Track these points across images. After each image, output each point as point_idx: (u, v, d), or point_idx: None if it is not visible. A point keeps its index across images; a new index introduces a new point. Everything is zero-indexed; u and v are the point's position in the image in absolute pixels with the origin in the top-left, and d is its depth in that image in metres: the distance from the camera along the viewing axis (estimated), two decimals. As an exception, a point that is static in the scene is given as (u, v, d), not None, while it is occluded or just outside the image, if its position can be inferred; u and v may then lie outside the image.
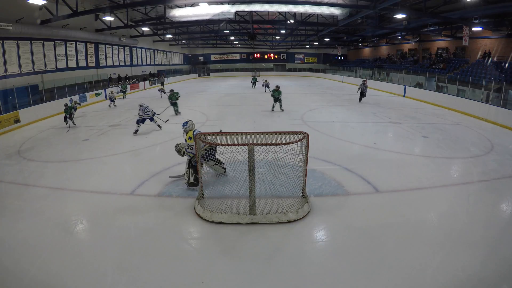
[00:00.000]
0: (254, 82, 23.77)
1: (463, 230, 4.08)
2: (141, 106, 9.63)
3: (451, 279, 3.16)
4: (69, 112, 10.50)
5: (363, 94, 15.36)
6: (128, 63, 25.29)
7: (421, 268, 3.34)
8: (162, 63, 32.79)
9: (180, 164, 6.35)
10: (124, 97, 18.78)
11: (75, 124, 10.85)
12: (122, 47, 24.18)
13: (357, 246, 3.74)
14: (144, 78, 26.36)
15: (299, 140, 4.37)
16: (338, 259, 3.54)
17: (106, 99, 18.08)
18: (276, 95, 12.23)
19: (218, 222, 4.21)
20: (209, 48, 39.78)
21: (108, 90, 19.33)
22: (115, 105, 15.77)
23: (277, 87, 12.47)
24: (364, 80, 15.99)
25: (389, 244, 3.78)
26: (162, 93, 17.78)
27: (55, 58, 16.62)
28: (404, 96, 18.18)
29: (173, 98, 12.36)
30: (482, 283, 3.14)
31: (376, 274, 3.27)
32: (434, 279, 3.18)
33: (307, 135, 4.46)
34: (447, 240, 3.84)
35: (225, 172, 5.58)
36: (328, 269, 3.37)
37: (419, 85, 17.69)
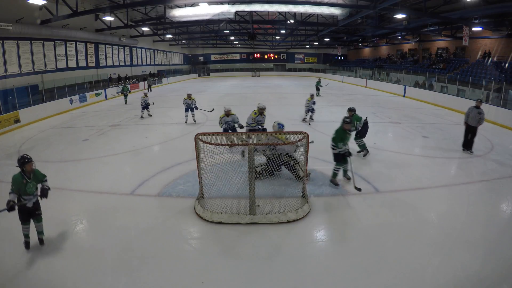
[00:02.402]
0: (318, 87, 18.59)
1: (463, 230, 4.08)
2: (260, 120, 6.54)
3: (451, 279, 3.16)
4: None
5: (471, 132, 7.24)
6: (128, 63, 25.28)
7: (421, 268, 3.34)
8: (162, 63, 32.78)
9: (180, 164, 6.36)
10: (126, 102, 16.11)
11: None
12: (122, 47, 24.16)
13: (357, 246, 3.74)
14: (144, 78, 26.35)
15: (299, 140, 4.38)
16: (338, 259, 3.54)
17: (126, 102, 15.79)
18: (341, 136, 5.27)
19: (218, 222, 4.21)
20: (209, 48, 39.78)
21: (121, 90, 17.33)
22: (150, 115, 12.09)
23: (352, 112, 6.53)
24: (478, 102, 7.23)
25: (389, 244, 3.78)
26: (189, 103, 10.62)
27: (55, 58, 16.60)
28: (404, 96, 18.19)
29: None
30: (482, 283, 3.15)
31: (376, 274, 3.27)
32: (434, 279, 3.19)
33: (307, 135, 4.47)
34: (447, 240, 3.84)
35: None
36: (328, 269, 3.38)
37: (420, 85, 17.69)
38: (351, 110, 6.57)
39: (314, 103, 10.58)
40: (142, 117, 11.81)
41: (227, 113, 7.05)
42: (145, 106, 11.85)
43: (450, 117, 11.81)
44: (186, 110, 10.72)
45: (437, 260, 3.47)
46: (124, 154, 7.50)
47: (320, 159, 6.61)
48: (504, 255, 3.58)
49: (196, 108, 10.73)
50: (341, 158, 5.23)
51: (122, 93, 16.72)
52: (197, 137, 4.40)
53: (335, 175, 5.35)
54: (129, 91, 17.02)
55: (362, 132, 6.62)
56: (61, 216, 4.51)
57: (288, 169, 5.28)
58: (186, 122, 10.72)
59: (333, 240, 3.98)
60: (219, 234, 4.03)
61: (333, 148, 5.25)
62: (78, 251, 3.72)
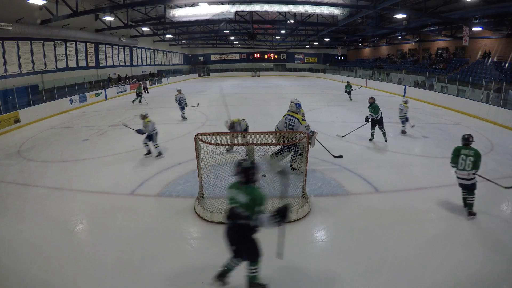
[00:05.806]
0: (349, 91, 16.14)
1: (463, 230, 4.08)
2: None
3: (451, 279, 3.16)
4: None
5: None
6: (128, 63, 25.28)
7: (421, 268, 3.35)
8: (162, 63, 32.78)
9: (180, 164, 6.37)
10: (140, 102, 15.89)
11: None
12: (122, 47, 24.16)
13: (357, 246, 3.74)
14: (144, 78, 26.37)
15: (299, 140, 4.38)
16: (338, 259, 3.54)
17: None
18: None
19: (218, 222, 4.21)
20: (209, 48, 39.76)
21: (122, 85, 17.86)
22: (185, 117, 11.58)
23: (373, 99, 7.93)
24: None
25: (389, 244, 3.78)
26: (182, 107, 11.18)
27: (55, 58, 16.61)
28: (404, 96, 18.18)
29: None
30: (482, 283, 3.15)
31: (376, 274, 3.27)
32: (434, 279, 3.18)
33: (307, 135, 4.47)
34: (447, 240, 3.85)
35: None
36: (328, 269, 3.38)
37: (420, 85, 17.69)
38: (372, 98, 8.02)
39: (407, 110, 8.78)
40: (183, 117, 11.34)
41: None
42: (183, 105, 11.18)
43: (450, 117, 11.81)
44: (181, 106, 11.14)
45: (437, 260, 3.47)
46: (124, 154, 7.50)
47: (320, 159, 6.62)
48: (504, 255, 3.58)
49: (186, 105, 11.19)
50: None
51: (136, 93, 16.25)
52: (197, 137, 4.40)
53: None
54: (146, 91, 16.85)
55: (380, 121, 7.90)
56: (61, 216, 4.52)
57: (291, 157, 5.41)
58: (186, 119, 11.18)
59: (333, 240, 3.98)
60: (219, 234, 3.99)
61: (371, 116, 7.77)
62: (78, 251, 3.72)
